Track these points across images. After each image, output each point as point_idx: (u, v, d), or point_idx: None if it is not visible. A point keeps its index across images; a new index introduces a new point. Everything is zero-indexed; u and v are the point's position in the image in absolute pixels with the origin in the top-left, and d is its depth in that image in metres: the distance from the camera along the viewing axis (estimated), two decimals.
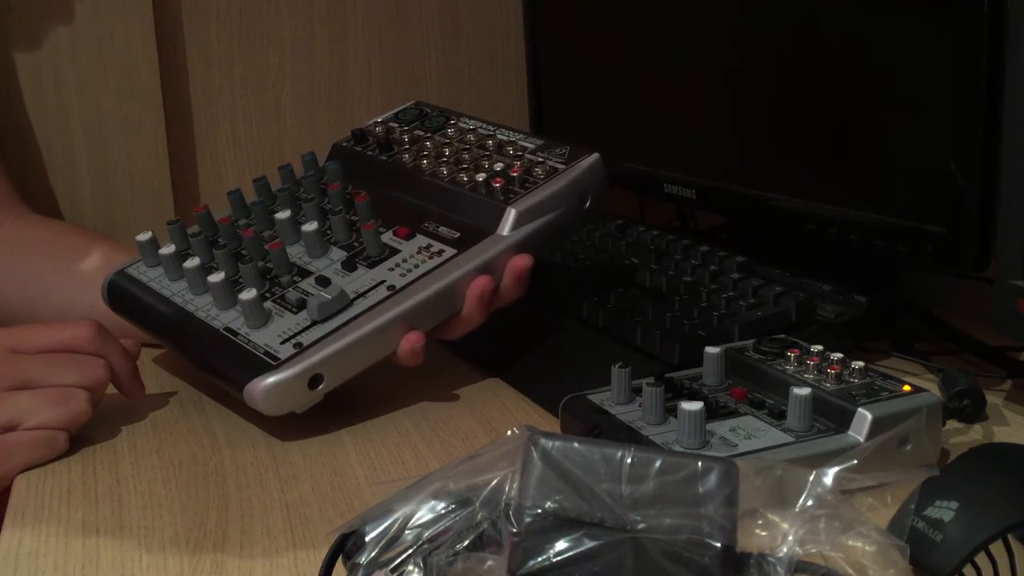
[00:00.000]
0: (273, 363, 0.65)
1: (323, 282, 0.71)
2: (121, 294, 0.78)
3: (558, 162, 0.76)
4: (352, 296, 0.69)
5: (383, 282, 0.70)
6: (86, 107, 1.04)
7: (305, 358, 0.65)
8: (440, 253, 0.72)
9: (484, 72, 1.21)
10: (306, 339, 0.67)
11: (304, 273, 0.73)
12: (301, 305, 0.69)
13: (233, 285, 0.72)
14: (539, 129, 1.18)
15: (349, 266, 0.72)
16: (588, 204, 0.76)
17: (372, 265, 0.72)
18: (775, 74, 0.85)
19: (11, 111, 1.01)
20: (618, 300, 0.80)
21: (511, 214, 0.72)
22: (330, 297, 0.68)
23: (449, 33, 1.19)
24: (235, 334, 0.69)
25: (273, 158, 1.11)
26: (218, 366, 0.69)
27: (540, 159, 0.77)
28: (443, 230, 0.74)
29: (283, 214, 0.76)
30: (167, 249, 0.76)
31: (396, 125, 0.87)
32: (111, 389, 0.69)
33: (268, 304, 0.70)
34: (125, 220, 1.07)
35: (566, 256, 0.93)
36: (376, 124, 0.88)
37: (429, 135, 0.84)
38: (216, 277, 0.71)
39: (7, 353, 0.66)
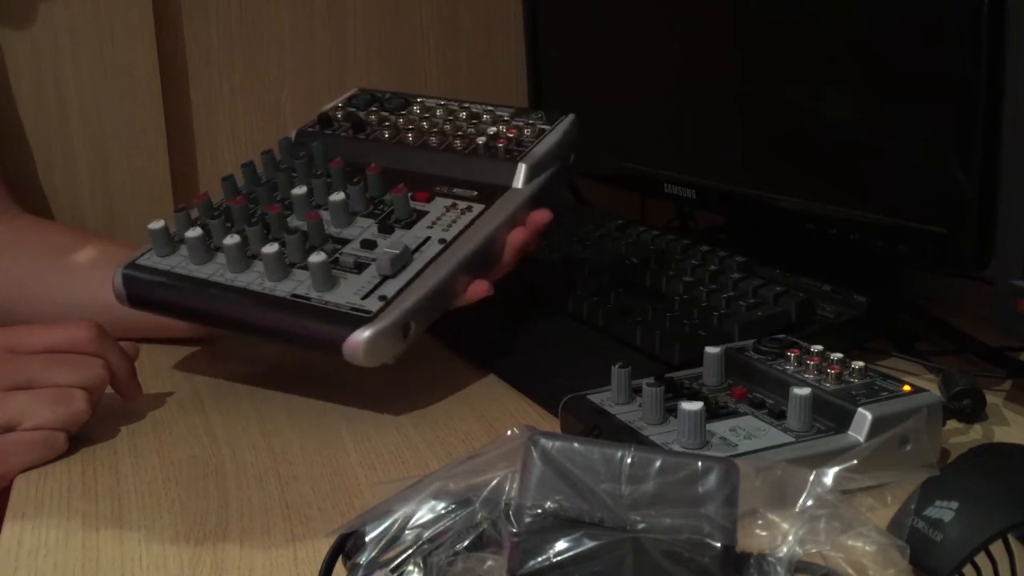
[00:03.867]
0: (367, 315, 0.66)
1: (368, 245, 0.72)
2: (143, 287, 0.75)
3: (541, 124, 0.81)
4: (411, 253, 0.71)
5: (430, 237, 0.73)
6: (86, 107, 1.04)
7: (396, 308, 0.67)
8: (470, 209, 0.75)
9: (484, 71, 1.21)
10: (387, 291, 0.68)
11: (342, 241, 0.73)
12: (358, 266, 0.70)
13: (282, 256, 0.71)
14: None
15: (386, 230, 0.74)
16: (572, 160, 0.82)
17: (408, 227, 0.74)
18: (775, 74, 0.85)
19: (11, 111, 1.01)
20: (618, 300, 0.80)
21: (522, 168, 0.77)
22: (397, 252, 0.70)
23: (449, 33, 1.19)
24: (307, 298, 0.69)
25: None
26: (301, 331, 0.68)
27: (524, 123, 0.81)
28: (458, 190, 0.77)
29: (300, 189, 0.77)
30: (194, 232, 0.74)
31: (354, 110, 0.88)
32: (109, 389, 0.69)
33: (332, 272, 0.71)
34: (125, 220, 1.07)
35: (566, 256, 0.93)
36: (335, 109, 0.88)
37: (396, 115, 0.86)
38: (271, 248, 0.70)
39: (5, 353, 0.66)
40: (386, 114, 0.87)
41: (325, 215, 0.75)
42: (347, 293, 0.69)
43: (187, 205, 0.78)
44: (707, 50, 0.92)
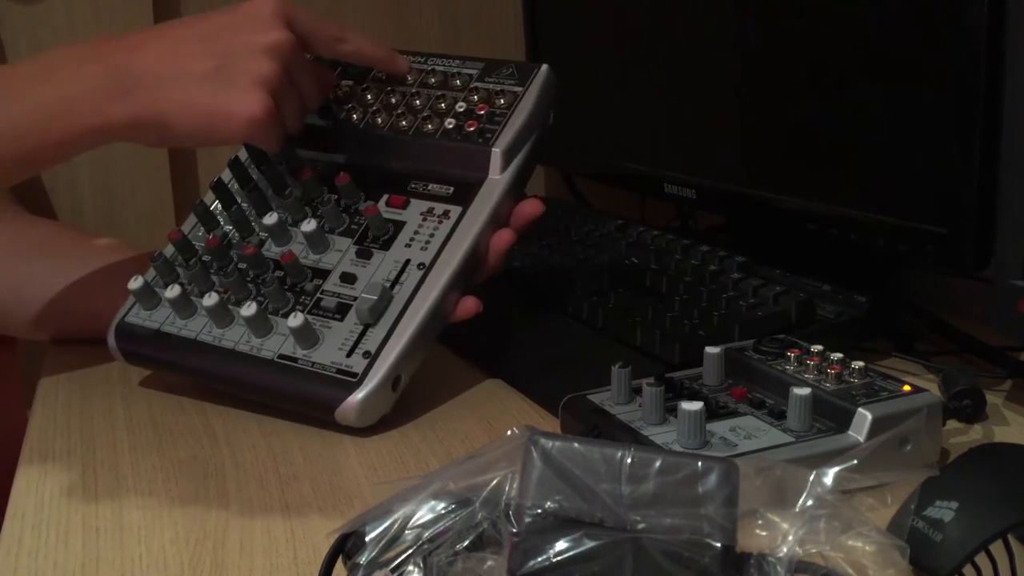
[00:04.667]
0: (354, 379, 0.66)
1: (348, 279, 0.71)
2: (136, 347, 0.74)
3: (513, 85, 0.76)
4: (389, 286, 0.69)
5: (408, 261, 0.70)
6: None
7: (382, 365, 0.66)
8: (447, 214, 0.72)
9: None
10: (370, 345, 0.67)
11: (320, 273, 0.72)
12: (340, 309, 0.69)
13: (264, 313, 0.70)
14: None
15: (364, 254, 0.72)
16: (551, 120, 0.76)
17: (385, 246, 0.72)
18: (775, 74, 0.85)
19: None
20: (618, 300, 0.80)
21: (497, 155, 0.72)
22: (375, 298, 0.68)
23: (449, 33, 1.19)
24: (294, 359, 0.68)
25: None
26: (292, 395, 0.68)
27: (495, 86, 0.76)
28: (433, 187, 0.73)
29: (270, 219, 0.74)
30: (173, 292, 0.72)
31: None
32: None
33: (311, 319, 0.69)
34: (125, 220, 1.07)
35: (566, 256, 0.93)
36: None
37: (362, 85, 0.81)
38: (249, 310, 0.69)
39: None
40: (350, 82, 0.81)
41: (299, 237, 0.73)
42: (331, 349, 0.68)
43: (163, 249, 0.75)
44: (707, 50, 0.92)
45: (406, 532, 0.44)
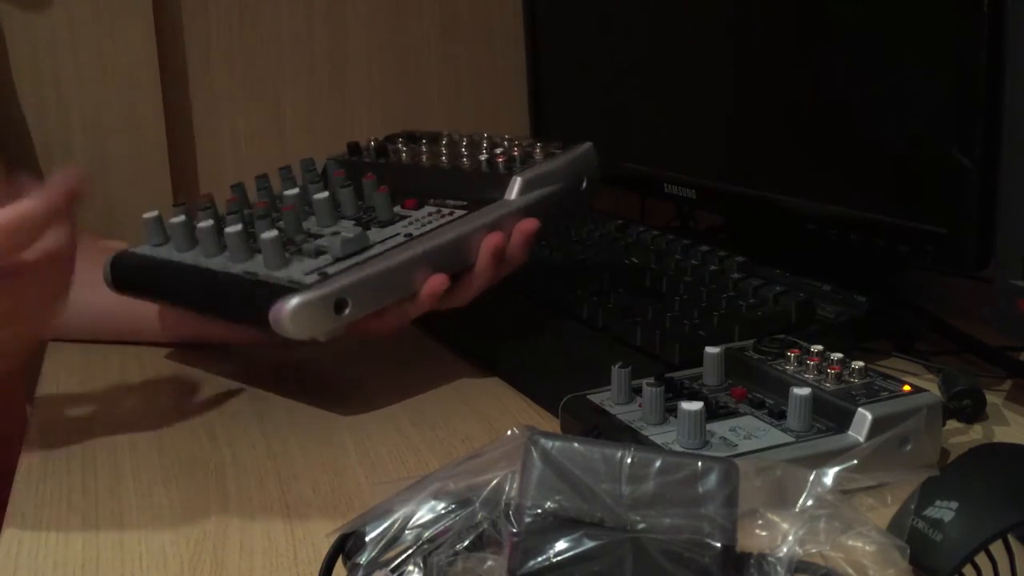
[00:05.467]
0: (297, 287, 0.66)
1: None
2: (125, 271, 0.78)
3: (555, 148, 0.81)
4: (372, 242, 0.71)
5: (399, 234, 0.72)
6: (86, 106, 1.04)
7: (331, 283, 0.66)
8: (451, 213, 0.75)
9: (484, 73, 1.21)
10: (329, 270, 0.68)
11: (317, 236, 0.74)
12: (318, 252, 0.70)
13: (249, 238, 0.72)
14: (539, 129, 1.18)
15: (363, 227, 0.74)
16: (585, 186, 0.80)
17: (384, 226, 0.74)
18: (775, 74, 0.85)
19: (11, 111, 1.01)
20: (618, 300, 0.80)
21: (517, 181, 0.76)
22: (351, 236, 0.69)
23: (449, 33, 1.19)
24: (256, 275, 0.69)
25: (273, 157, 1.11)
26: (241, 304, 0.69)
27: (537, 146, 0.81)
28: (451, 202, 0.77)
29: (292, 191, 0.78)
30: (177, 218, 0.76)
31: (387, 143, 0.90)
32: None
33: (288, 254, 0.70)
34: (125, 220, 1.07)
35: (566, 256, 0.93)
36: (371, 140, 0.90)
37: (424, 143, 0.88)
38: (233, 228, 0.71)
39: None
40: (413, 145, 0.89)
41: (312, 217, 0.76)
42: (295, 272, 0.68)
43: (187, 201, 0.80)
44: (707, 50, 0.92)
45: (406, 532, 0.44)
